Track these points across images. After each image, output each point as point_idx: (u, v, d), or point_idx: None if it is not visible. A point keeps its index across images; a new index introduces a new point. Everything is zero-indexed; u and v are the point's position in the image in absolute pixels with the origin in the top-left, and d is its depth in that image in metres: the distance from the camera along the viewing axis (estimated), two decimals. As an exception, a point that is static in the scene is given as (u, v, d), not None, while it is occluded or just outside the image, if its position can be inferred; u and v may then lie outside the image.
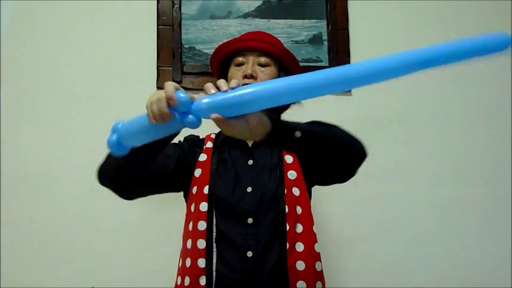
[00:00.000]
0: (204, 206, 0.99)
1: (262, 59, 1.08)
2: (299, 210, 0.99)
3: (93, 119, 1.54)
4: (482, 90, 1.71)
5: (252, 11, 1.68)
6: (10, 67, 1.55)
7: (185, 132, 1.14)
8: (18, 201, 1.48)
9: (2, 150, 1.50)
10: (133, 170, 0.93)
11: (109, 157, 0.94)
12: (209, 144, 1.10)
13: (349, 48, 1.67)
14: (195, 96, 0.74)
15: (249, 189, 1.01)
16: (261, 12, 1.68)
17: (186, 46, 1.62)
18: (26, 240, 1.47)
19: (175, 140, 1.11)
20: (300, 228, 0.98)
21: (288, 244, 0.96)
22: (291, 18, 1.68)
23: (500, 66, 1.73)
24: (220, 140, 1.10)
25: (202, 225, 0.98)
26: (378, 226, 1.58)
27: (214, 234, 0.98)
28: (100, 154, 0.97)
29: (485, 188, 1.64)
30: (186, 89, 0.88)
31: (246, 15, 1.67)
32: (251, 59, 1.08)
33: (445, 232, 1.60)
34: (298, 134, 0.83)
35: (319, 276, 0.98)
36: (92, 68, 1.58)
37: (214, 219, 0.99)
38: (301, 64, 1.20)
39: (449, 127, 1.66)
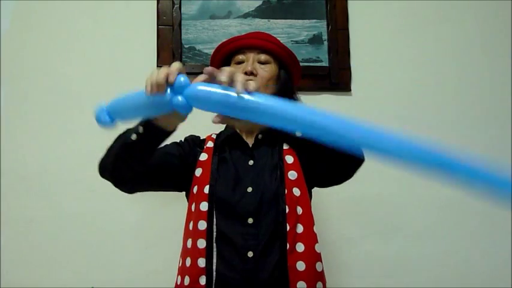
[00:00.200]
0: (204, 206, 0.99)
1: (262, 57, 1.09)
2: (299, 210, 0.99)
3: (93, 119, 1.53)
4: (482, 90, 1.71)
5: (252, 11, 1.68)
6: (10, 67, 1.55)
7: (185, 133, 1.16)
8: (18, 201, 1.48)
9: (2, 150, 1.50)
10: (132, 165, 0.93)
11: (109, 150, 0.95)
12: (210, 144, 1.10)
13: (349, 48, 1.67)
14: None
15: (250, 189, 1.01)
16: (261, 12, 1.68)
17: (186, 46, 1.62)
18: (26, 240, 1.47)
19: (177, 140, 1.12)
20: (300, 228, 0.98)
21: (288, 244, 0.96)
22: (291, 18, 1.68)
23: (500, 66, 1.73)
24: (221, 140, 1.11)
25: (202, 224, 0.98)
26: (378, 226, 1.59)
27: (214, 234, 0.98)
28: (100, 154, 0.98)
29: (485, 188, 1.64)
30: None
31: (246, 15, 1.67)
32: (251, 56, 1.09)
33: (445, 232, 1.60)
34: (298, 133, 0.84)
35: (320, 276, 0.98)
36: (92, 68, 1.58)
37: (215, 219, 0.99)
38: (301, 64, 1.20)
39: (449, 127, 1.66)
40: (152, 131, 0.86)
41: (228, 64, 1.13)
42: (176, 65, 0.75)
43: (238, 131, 1.13)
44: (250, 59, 1.08)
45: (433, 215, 1.61)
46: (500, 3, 1.77)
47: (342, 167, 0.95)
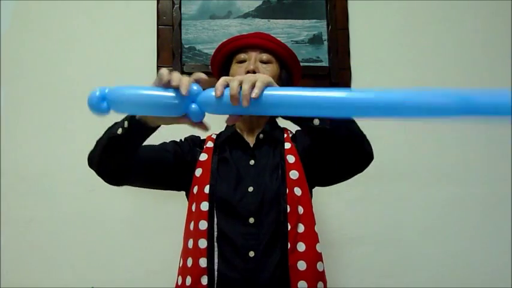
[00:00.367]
0: (205, 206, 0.99)
1: (264, 56, 1.09)
2: (301, 210, 0.99)
3: (93, 119, 1.53)
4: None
5: (252, 11, 1.68)
6: (10, 67, 1.55)
7: (185, 133, 1.16)
8: (18, 201, 1.48)
9: (2, 150, 1.50)
10: (117, 158, 0.93)
11: (97, 143, 0.95)
12: (210, 144, 1.10)
13: (349, 48, 1.67)
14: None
15: (251, 189, 1.01)
16: (261, 12, 1.68)
17: (186, 46, 1.62)
18: (26, 240, 1.47)
19: (176, 139, 1.12)
20: (301, 228, 0.98)
21: (289, 244, 0.96)
22: (291, 18, 1.68)
23: (500, 66, 1.73)
24: (222, 140, 1.11)
25: (203, 224, 0.98)
26: (378, 226, 1.59)
27: (215, 233, 0.98)
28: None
29: (485, 188, 1.64)
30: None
31: (246, 15, 1.67)
32: (253, 55, 1.09)
33: (445, 232, 1.60)
34: (316, 121, 0.84)
35: (321, 276, 0.98)
36: (92, 68, 1.58)
37: (216, 219, 0.99)
38: (301, 64, 1.20)
39: (449, 127, 1.66)
40: (137, 126, 0.87)
41: (229, 63, 1.13)
42: (187, 77, 0.76)
43: (239, 130, 1.13)
44: (252, 58, 1.08)
45: (433, 215, 1.61)
46: (500, 3, 1.77)
47: (352, 161, 0.95)
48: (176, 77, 0.75)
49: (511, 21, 1.76)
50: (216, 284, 0.95)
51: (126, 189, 1.12)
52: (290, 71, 1.14)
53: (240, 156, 1.07)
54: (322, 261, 1.00)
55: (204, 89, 0.77)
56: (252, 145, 1.09)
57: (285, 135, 1.11)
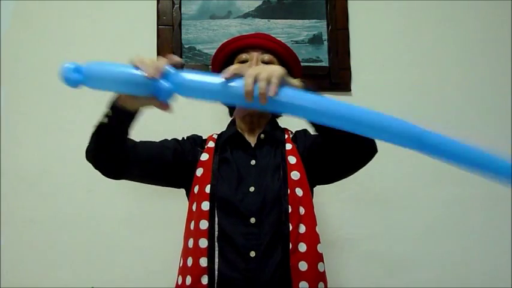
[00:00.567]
0: (206, 205, 0.99)
1: (266, 57, 1.10)
2: (302, 210, 0.99)
3: (93, 119, 1.54)
4: (483, 90, 1.71)
5: (252, 11, 1.68)
6: (10, 67, 1.55)
7: (186, 133, 1.16)
8: (18, 201, 1.48)
9: (2, 150, 1.50)
10: (108, 148, 0.94)
11: (91, 136, 0.95)
12: (211, 144, 1.10)
13: (349, 48, 1.67)
14: None
15: (252, 189, 1.01)
16: (261, 12, 1.68)
17: (186, 46, 1.62)
18: (26, 240, 1.47)
19: (178, 137, 1.12)
20: (302, 228, 0.98)
21: (290, 244, 0.96)
22: (291, 18, 1.68)
23: (500, 66, 1.74)
24: (223, 139, 1.11)
25: (204, 224, 0.98)
26: (378, 226, 1.59)
27: (216, 233, 0.98)
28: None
29: (485, 188, 1.64)
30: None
31: (246, 15, 1.67)
32: (255, 56, 1.09)
33: (445, 232, 1.60)
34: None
35: (322, 276, 0.98)
36: (92, 68, 1.57)
37: (216, 218, 0.99)
38: (301, 64, 1.20)
39: (449, 127, 1.65)
40: (118, 112, 0.87)
41: (230, 63, 1.13)
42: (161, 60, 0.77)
43: (240, 130, 1.13)
44: (254, 58, 1.09)
45: (433, 215, 1.61)
46: (500, 3, 1.77)
47: (358, 154, 0.96)
48: (147, 61, 0.76)
49: (511, 21, 1.76)
50: (217, 283, 0.95)
51: (125, 189, 1.13)
52: (291, 72, 1.14)
53: (241, 156, 1.08)
54: (323, 262, 1.00)
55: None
56: (253, 145, 1.10)
57: (286, 136, 1.11)
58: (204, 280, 0.94)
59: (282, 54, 1.11)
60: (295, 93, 0.75)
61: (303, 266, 0.95)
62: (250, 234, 0.97)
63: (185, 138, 1.14)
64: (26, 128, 1.53)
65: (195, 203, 1.02)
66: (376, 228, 1.58)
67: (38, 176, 1.50)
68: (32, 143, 1.52)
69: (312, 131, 1.01)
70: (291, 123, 1.16)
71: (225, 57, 1.14)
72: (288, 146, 1.07)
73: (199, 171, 1.05)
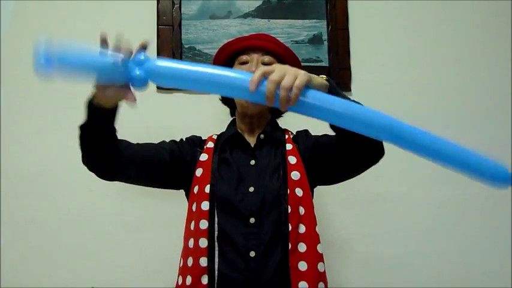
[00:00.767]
0: (205, 205, 0.99)
1: (266, 58, 1.10)
2: (302, 210, 0.99)
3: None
4: (483, 91, 1.71)
5: (252, 11, 1.68)
6: (10, 67, 1.55)
7: (186, 133, 1.16)
8: (18, 201, 1.48)
9: (2, 150, 1.50)
10: (94, 148, 0.94)
11: (79, 138, 0.95)
12: (210, 145, 1.10)
13: (349, 48, 1.67)
14: None
15: (251, 189, 1.01)
16: (261, 12, 1.68)
17: (186, 46, 1.62)
18: (26, 240, 1.47)
19: (177, 139, 1.12)
20: (302, 228, 0.98)
21: (290, 244, 0.96)
22: (291, 18, 1.68)
23: (500, 66, 1.74)
24: (223, 140, 1.11)
25: (204, 224, 0.98)
26: (378, 226, 1.59)
27: (216, 233, 0.98)
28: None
29: (485, 188, 1.63)
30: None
31: (246, 15, 1.67)
32: (255, 57, 1.09)
33: (445, 232, 1.61)
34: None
35: (322, 276, 0.98)
36: (92, 68, 1.57)
37: (216, 218, 0.99)
38: (301, 64, 1.20)
39: (449, 127, 1.65)
40: (96, 111, 0.88)
41: (231, 64, 1.13)
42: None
43: (240, 131, 1.13)
44: (254, 60, 1.09)
45: (433, 215, 1.61)
46: (500, 3, 1.77)
47: (368, 154, 0.97)
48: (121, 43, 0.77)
49: (511, 21, 1.76)
50: (217, 283, 0.95)
51: (126, 189, 1.13)
52: None
53: (240, 156, 1.08)
54: (323, 262, 1.00)
55: None
56: (252, 145, 1.10)
57: (286, 136, 1.11)
58: (204, 280, 0.95)
59: (282, 56, 1.11)
60: (315, 97, 0.75)
61: (302, 266, 0.95)
62: (250, 234, 0.98)
63: (183, 139, 1.14)
64: (26, 128, 1.53)
65: (194, 203, 1.02)
66: (376, 229, 1.58)
67: (38, 176, 1.50)
68: (32, 143, 1.52)
69: (329, 132, 1.02)
70: (291, 123, 1.17)
71: (225, 58, 1.14)
72: (289, 146, 1.07)
73: (198, 172, 1.05)
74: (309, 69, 1.67)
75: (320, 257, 0.99)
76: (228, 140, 1.11)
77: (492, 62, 1.73)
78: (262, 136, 1.10)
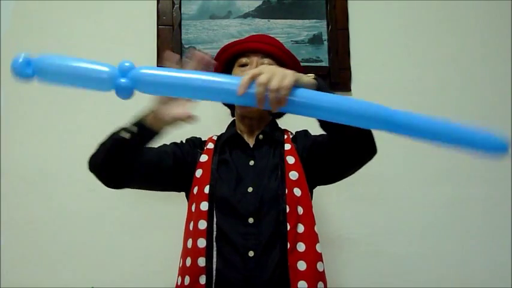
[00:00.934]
0: (204, 206, 0.99)
1: (266, 61, 1.09)
2: (300, 210, 0.99)
3: (93, 119, 1.54)
4: (483, 90, 1.71)
5: (252, 11, 1.68)
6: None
7: (186, 134, 1.16)
8: (18, 202, 1.48)
9: (2, 150, 1.50)
10: (121, 163, 0.94)
11: (101, 147, 0.95)
12: (210, 145, 1.11)
13: (349, 48, 1.67)
14: None
15: (250, 190, 1.02)
16: (261, 12, 1.68)
17: (186, 46, 1.62)
18: (26, 240, 1.47)
19: (177, 141, 1.12)
20: (301, 228, 0.98)
21: (289, 244, 0.96)
22: (291, 18, 1.68)
23: (500, 66, 1.73)
24: (223, 140, 1.11)
25: (202, 224, 0.98)
26: (378, 226, 1.59)
27: (214, 233, 0.98)
28: (100, 154, 0.98)
29: (485, 188, 1.64)
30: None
31: (246, 15, 1.67)
32: (255, 60, 1.09)
33: (445, 232, 1.60)
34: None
35: (321, 276, 0.98)
36: (92, 68, 1.57)
37: (215, 218, 0.99)
38: (301, 64, 1.20)
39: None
40: (144, 130, 0.89)
41: (231, 66, 1.13)
42: None
43: (239, 131, 1.13)
44: (254, 62, 1.09)
45: (433, 215, 1.61)
46: (500, 3, 1.77)
47: (357, 153, 0.97)
48: None
49: (511, 21, 1.76)
50: (215, 283, 0.95)
51: (125, 189, 1.13)
52: None
53: (239, 157, 1.08)
54: (323, 262, 1.00)
55: None
56: (251, 146, 1.10)
57: (285, 137, 1.11)
58: (202, 280, 0.95)
59: (281, 58, 1.11)
60: (305, 95, 0.76)
61: (301, 265, 0.95)
62: (248, 234, 0.98)
63: (183, 141, 1.14)
64: (26, 128, 1.53)
65: (194, 203, 1.02)
66: (376, 228, 1.58)
67: (38, 176, 1.50)
68: (32, 143, 1.52)
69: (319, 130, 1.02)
70: (291, 124, 1.17)
71: (226, 60, 1.14)
72: (287, 146, 1.07)
73: (198, 172, 1.05)
74: (309, 69, 1.69)
75: (319, 257, 0.99)
76: (228, 141, 1.11)
77: (492, 62, 1.73)
78: (261, 137, 1.10)
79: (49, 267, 1.46)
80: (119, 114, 1.46)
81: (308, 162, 1.05)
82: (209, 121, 1.44)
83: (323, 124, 0.93)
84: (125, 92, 0.74)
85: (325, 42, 1.67)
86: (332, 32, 1.67)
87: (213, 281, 0.95)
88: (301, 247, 0.96)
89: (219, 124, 1.21)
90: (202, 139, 1.16)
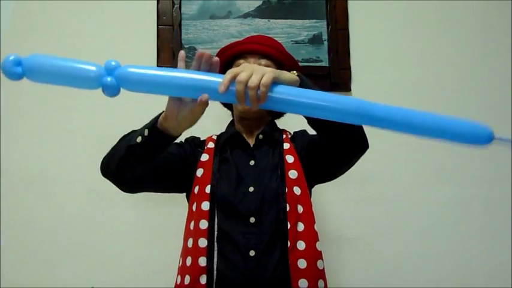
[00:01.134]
0: (206, 205, 0.99)
1: (263, 62, 1.09)
2: (300, 209, 1.00)
3: (93, 119, 1.54)
4: (483, 90, 1.71)
5: (252, 11, 1.68)
6: (10, 67, 1.55)
7: (186, 134, 1.16)
8: (18, 202, 1.48)
9: (2, 150, 1.50)
10: (135, 167, 0.93)
11: (113, 151, 0.95)
12: (211, 145, 1.11)
13: (349, 48, 1.67)
14: None
15: (251, 189, 1.02)
16: (261, 12, 1.68)
17: (186, 46, 1.62)
18: (26, 240, 1.47)
19: (177, 141, 1.12)
20: (301, 226, 0.98)
21: (289, 242, 0.96)
22: (291, 18, 1.68)
23: (500, 66, 1.73)
24: (223, 140, 1.11)
25: (204, 224, 0.98)
26: (378, 226, 1.59)
27: (215, 233, 0.98)
28: (100, 155, 0.98)
29: (486, 188, 1.64)
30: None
31: (246, 15, 1.67)
32: (252, 61, 1.09)
33: (445, 232, 1.60)
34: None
35: (321, 274, 0.99)
36: (92, 68, 1.57)
37: (216, 218, 0.99)
38: (301, 64, 1.20)
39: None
40: (158, 134, 0.86)
41: (230, 67, 1.13)
42: None
43: (239, 131, 1.13)
44: (251, 63, 1.09)
45: (433, 215, 1.61)
46: (500, 3, 1.77)
47: (347, 149, 0.97)
48: None
49: (511, 21, 1.76)
50: (215, 283, 0.95)
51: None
52: None
53: (240, 157, 1.08)
54: (323, 260, 1.00)
55: None
56: (252, 145, 1.10)
57: (284, 136, 1.12)
58: (203, 280, 0.95)
59: (279, 59, 1.11)
60: (284, 92, 0.76)
61: (302, 263, 0.95)
62: (249, 234, 0.98)
63: (183, 141, 1.14)
64: (26, 128, 1.53)
65: (195, 203, 1.02)
66: (376, 228, 1.58)
67: (38, 176, 1.50)
68: (32, 143, 1.52)
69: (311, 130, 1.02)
70: (290, 124, 1.17)
71: (224, 61, 1.14)
72: (286, 146, 1.08)
73: (199, 172, 1.05)
74: (309, 69, 1.69)
75: (319, 255, 0.99)
76: (229, 140, 1.11)
77: (492, 62, 1.73)
78: (261, 136, 1.11)
79: (49, 267, 1.46)
80: (119, 114, 1.46)
81: (306, 161, 1.06)
82: (209, 121, 1.44)
83: (310, 121, 0.93)
84: (111, 90, 0.75)
85: (325, 42, 1.67)
86: (332, 32, 1.67)
87: (214, 281, 0.95)
88: (301, 245, 0.97)
89: (219, 124, 1.21)
90: (201, 139, 1.16)
